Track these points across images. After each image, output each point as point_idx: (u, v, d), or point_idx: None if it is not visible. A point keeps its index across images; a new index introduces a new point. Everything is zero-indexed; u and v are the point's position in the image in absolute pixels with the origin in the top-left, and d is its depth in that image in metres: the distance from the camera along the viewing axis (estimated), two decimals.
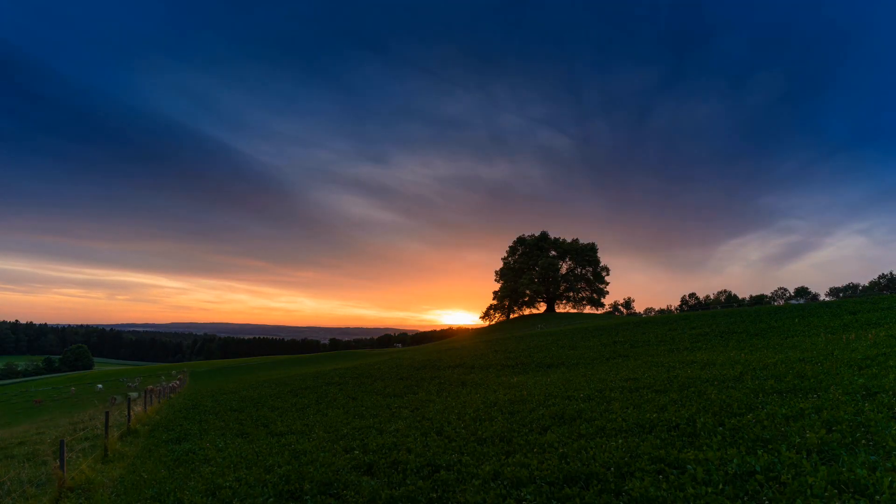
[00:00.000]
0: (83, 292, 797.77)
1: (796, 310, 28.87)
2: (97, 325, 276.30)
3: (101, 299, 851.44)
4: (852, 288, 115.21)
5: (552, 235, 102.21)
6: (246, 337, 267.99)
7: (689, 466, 5.91)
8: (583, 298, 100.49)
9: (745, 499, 4.93)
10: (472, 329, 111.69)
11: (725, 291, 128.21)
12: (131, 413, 16.98)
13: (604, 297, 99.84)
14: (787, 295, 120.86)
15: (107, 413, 13.50)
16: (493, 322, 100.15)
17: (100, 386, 60.62)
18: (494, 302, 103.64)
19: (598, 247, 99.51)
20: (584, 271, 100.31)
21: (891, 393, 7.80)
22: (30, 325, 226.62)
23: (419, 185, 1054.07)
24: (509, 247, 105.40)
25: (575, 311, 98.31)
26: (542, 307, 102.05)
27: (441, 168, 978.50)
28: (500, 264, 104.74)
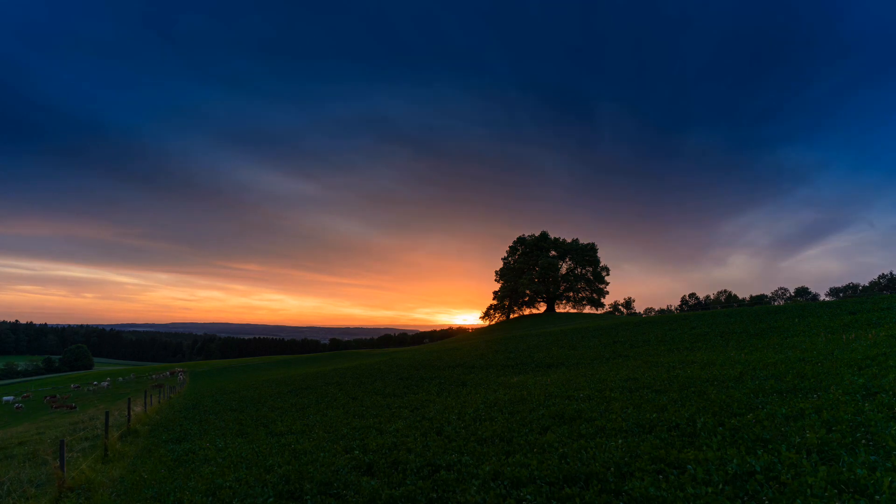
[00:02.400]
0: (40, 289, 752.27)
1: (796, 310, 28.86)
2: (97, 325, 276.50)
3: (67, 297, 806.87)
4: (852, 288, 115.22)
5: (552, 235, 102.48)
6: (246, 337, 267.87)
7: (689, 466, 5.91)
8: (583, 298, 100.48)
9: (745, 499, 4.93)
10: (472, 329, 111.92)
11: (725, 291, 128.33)
12: (131, 413, 16.99)
13: (604, 298, 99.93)
14: (788, 295, 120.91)
15: (107, 413, 13.51)
16: (494, 322, 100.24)
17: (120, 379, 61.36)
18: (494, 302, 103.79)
19: (597, 247, 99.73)
20: (584, 271, 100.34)
21: (891, 393, 7.79)
22: (30, 325, 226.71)
23: (313, 128, 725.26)
24: (509, 247, 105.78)
25: (575, 311, 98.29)
26: (542, 307, 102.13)
27: (326, 98, 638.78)
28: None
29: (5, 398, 51.62)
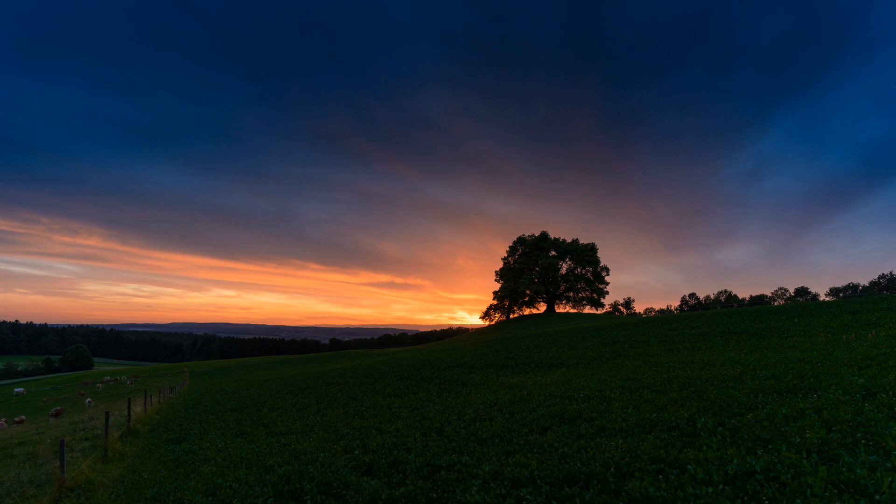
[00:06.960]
0: None
1: (796, 310, 28.85)
2: (97, 325, 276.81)
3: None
4: (852, 288, 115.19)
5: (552, 235, 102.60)
6: (246, 337, 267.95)
7: (689, 466, 5.91)
8: (583, 299, 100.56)
9: (745, 499, 4.93)
10: (472, 329, 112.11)
11: (725, 291, 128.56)
12: (131, 413, 16.99)
13: (604, 298, 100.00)
14: (788, 294, 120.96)
15: (107, 413, 13.51)
16: (494, 322, 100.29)
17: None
18: (494, 302, 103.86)
19: (597, 247, 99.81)
20: (583, 271, 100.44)
21: (891, 393, 7.79)
22: (30, 326, 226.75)
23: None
24: (509, 247, 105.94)
25: (575, 311, 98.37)
26: (542, 307, 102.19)
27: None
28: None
29: (16, 390, 53.00)
